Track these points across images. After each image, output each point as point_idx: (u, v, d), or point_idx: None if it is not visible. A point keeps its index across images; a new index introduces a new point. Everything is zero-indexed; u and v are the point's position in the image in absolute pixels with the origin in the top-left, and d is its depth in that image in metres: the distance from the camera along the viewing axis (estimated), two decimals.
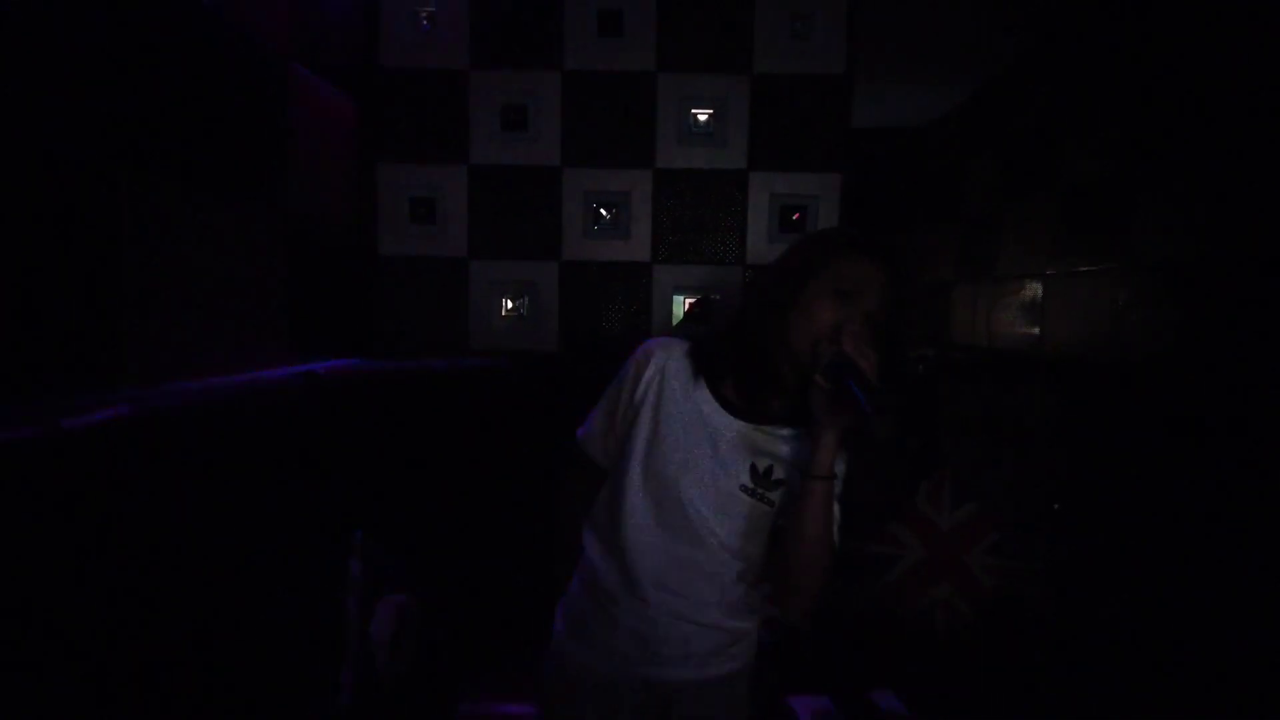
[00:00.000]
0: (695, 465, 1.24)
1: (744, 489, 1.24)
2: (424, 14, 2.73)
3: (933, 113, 5.71)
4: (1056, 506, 2.43)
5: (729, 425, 1.25)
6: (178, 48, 1.59)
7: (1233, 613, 1.93)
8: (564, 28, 2.70)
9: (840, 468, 1.27)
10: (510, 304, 2.74)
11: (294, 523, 1.73)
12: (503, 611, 2.15)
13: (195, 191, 1.68)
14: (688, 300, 2.75)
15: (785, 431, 1.27)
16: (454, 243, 2.74)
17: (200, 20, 1.68)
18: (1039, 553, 2.45)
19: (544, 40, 2.71)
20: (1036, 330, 4.33)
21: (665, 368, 1.28)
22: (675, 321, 2.74)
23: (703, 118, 2.71)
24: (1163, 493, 2.34)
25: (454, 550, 2.10)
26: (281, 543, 1.68)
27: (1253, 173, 2.69)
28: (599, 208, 2.73)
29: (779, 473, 1.26)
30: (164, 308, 1.56)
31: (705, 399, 1.26)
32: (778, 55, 2.69)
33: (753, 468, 1.24)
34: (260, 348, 1.93)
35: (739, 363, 1.26)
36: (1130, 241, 3.43)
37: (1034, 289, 4.39)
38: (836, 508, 1.26)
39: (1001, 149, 4.88)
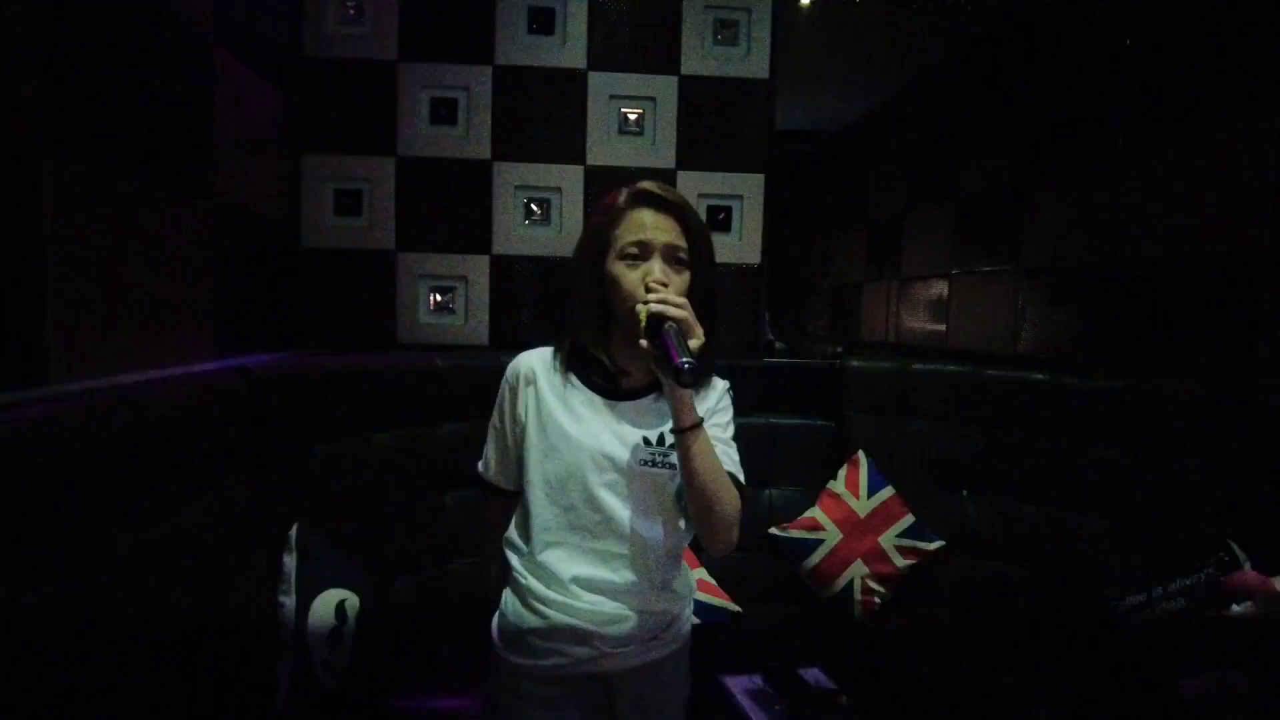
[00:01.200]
0: (592, 460, 1.26)
1: (643, 463, 1.26)
2: (351, 4, 2.69)
3: (847, 118, 5.93)
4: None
5: (610, 409, 1.29)
6: (100, 29, 1.54)
7: (1115, 572, 2.12)
8: (496, 23, 2.71)
9: (718, 413, 1.32)
10: (439, 297, 2.73)
11: (227, 518, 1.70)
12: (440, 606, 2.16)
13: (119, 180, 1.63)
14: None
15: (662, 396, 1.29)
16: (381, 235, 2.72)
17: (133, 14, 1.63)
18: (948, 533, 2.61)
19: (475, 35, 2.71)
20: (942, 327, 4.59)
21: (535, 379, 1.31)
22: None
23: (633, 116, 2.77)
24: (1054, 473, 2.54)
25: (391, 545, 2.10)
26: (215, 538, 1.65)
27: (1133, 187, 2.94)
28: (530, 202, 2.75)
29: (670, 437, 1.28)
30: (88, 302, 1.51)
31: (580, 394, 1.29)
32: (704, 58, 2.78)
33: (645, 440, 1.27)
34: (188, 343, 1.88)
35: (589, 350, 1.29)
36: (1021, 247, 3.68)
37: (938, 288, 4.64)
38: (732, 448, 1.31)
39: (906, 158, 5.13)
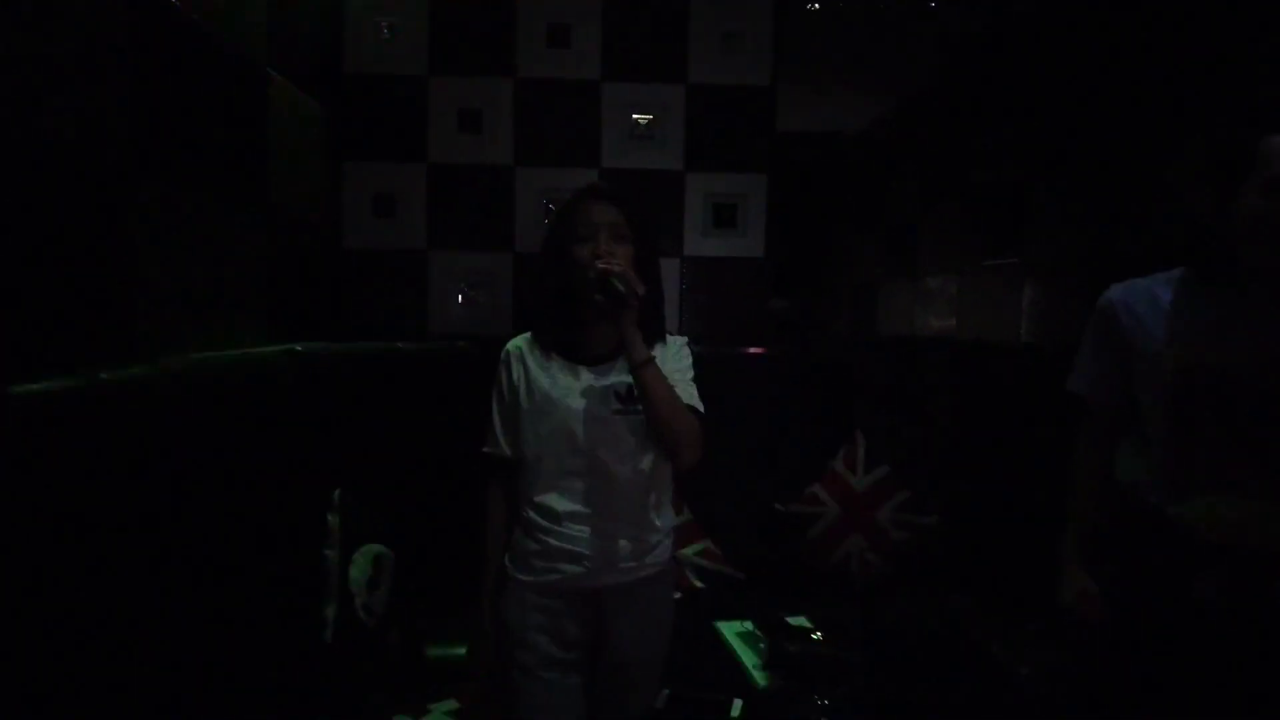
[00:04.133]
0: (574, 415, 1.50)
1: (616, 412, 1.50)
2: (386, 24, 2.96)
3: (861, 120, 6.08)
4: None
5: (585, 372, 1.53)
6: (173, 63, 1.80)
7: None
8: (516, 38, 2.96)
9: (678, 359, 1.57)
10: (467, 291, 2.98)
11: (280, 481, 1.96)
12: (468, 564, 2.40)
13: (192, 191, 1.89)
14: None
15: (622, 359, 1.52)
16: (414, 235, 2.97)
17: (195, 39, 1.89)
18: (940, 509, 2.79)
19: (498, 50, 2.96)
20: (952, 321, 4.73)
21: (523, 359, 1.57)
22: None
23: (643, 122, 3.00)
24: (1046, 458, 2.69)
25: (425, 508, 2.34)
26: (269, 498, 1.90)
27: (1128, 186, 3.07)
28: (550, 204, 2.99)
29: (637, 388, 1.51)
30: (168, 293, 1.77)
31: (561, 365, 1.55)
32: (710, 67, 2.99)
33: (616, 394, 1.51)
34: (245, 328, 2.14)
35: (563, 325, 1.56)
36: (1025, 243, 3.82)
37: (949, 284, 4.78)
38: (692, 388, 1.55)
39: (919, 159, 5.27)
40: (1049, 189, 3.67)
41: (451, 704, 1.95)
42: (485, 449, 1.62)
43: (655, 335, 1.56)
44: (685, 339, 1.65)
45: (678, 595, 2.54)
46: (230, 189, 2.11)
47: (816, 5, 3.87)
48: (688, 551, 2.71)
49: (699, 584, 2.64)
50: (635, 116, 2.99)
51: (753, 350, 3.04)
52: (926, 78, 5.05)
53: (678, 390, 1.50)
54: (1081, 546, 1.64)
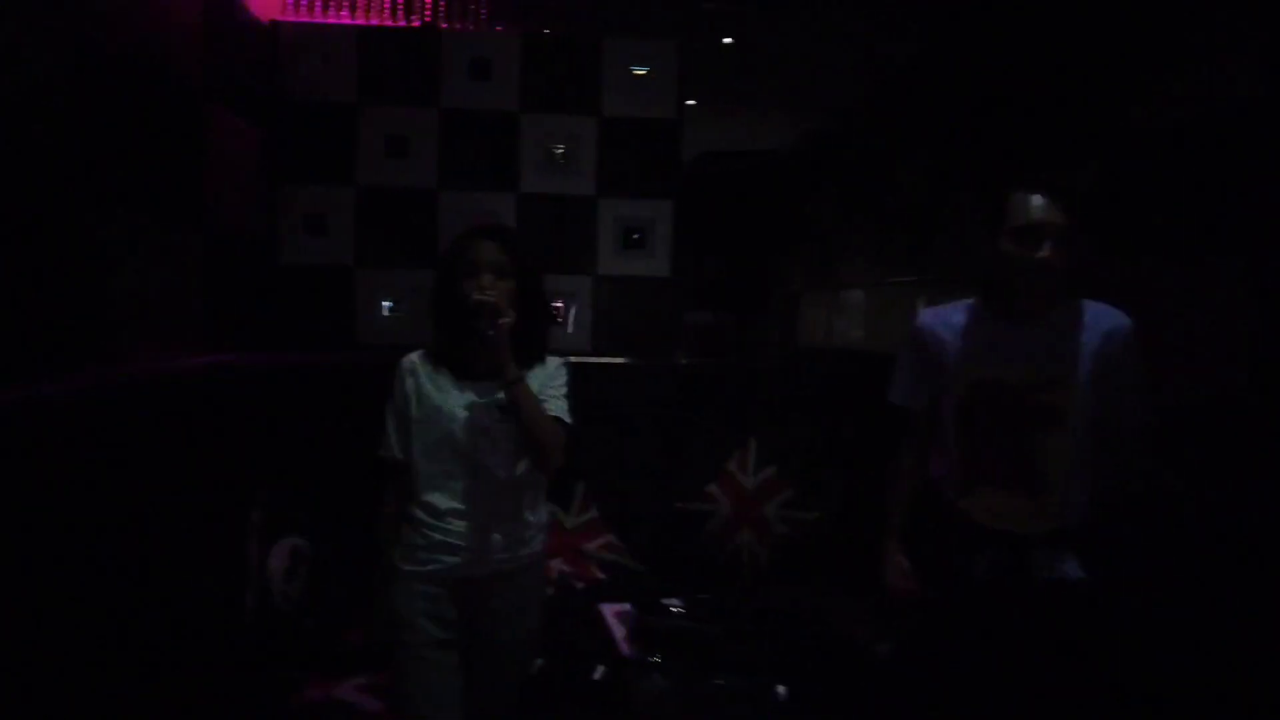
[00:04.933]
0: (462, 426, 1.69)
1: (497, 423, 1.69)
2: (319, 55, 3.17)
3: (783, 139, 6.41)
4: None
5: (470, 389, 1.71)
6: (111, 94, 2.00)
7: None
8: (441, 71, 3.19)
9: (555, 378, 1.77)
10: (393, 305, 3.21)
11: (209, 480, 2.17)
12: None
13: (136, 216, 2.09)
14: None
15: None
16: (343, 252, 3.19)
17: (132, 74, 2.10)
18: (822, 505, 3.09)
19: (423, 81, 3.19)
20: (861, 332, 5.07)
21: (416, 372, 1.74)
22: None
23: (559, 151, 3.26)
24: None
25: (344, 505, 2.55)
26: (197, 494, 2.11)
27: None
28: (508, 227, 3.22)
29: None
30: (110, 309, 1.97)
31: (449, 380, 1.72)
32: (621, 101, 3.26)
33: (499, 407, 1.71)
34: (184, 342, 2.35)
35: (452, 346, 1.73)
36: (924, 262, 4.16)
37: (860, 297, 5.12)
38: (564, 403, 1.74)
39: (839, 179, 5.61)
40: (947, 213, 4.01)
41: (361, 680, 2.18)
42: (380, 452, 1.79)
43: (534, 357, 1.76)
44: (562, 360, 1.84)
45: (580, 585, 2.81)
46: (169, 210, 2.31)
47: (729, 40, 4.15)
48: (592, 546, 2.98)
49: (600, 574, 2.90)
50: (551, 146, 3.25)
51: (660, 362, 3.31)
52: (847, 102, 5.39)
53: (548, 405, 1.71)
54: (899, 534, 1.92)
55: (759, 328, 7.23)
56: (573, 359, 1.86)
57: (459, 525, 1.71)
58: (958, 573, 1.75)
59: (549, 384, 1.76)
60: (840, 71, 4.89)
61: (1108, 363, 1.65)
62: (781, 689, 1.80)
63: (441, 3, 3.24)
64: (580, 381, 1.85)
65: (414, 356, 1.80)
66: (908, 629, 1.95)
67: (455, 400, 1.72)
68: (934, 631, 1.82)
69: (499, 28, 3.24)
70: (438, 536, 1.71)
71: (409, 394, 1.75)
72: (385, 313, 3.19)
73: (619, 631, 2.16)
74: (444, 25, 3.20)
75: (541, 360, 1.80)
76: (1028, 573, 1.67)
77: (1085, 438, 1.66)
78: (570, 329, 3.31)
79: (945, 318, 1.83)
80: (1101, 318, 1.69)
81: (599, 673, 1.96)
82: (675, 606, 2.23)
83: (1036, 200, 1.65)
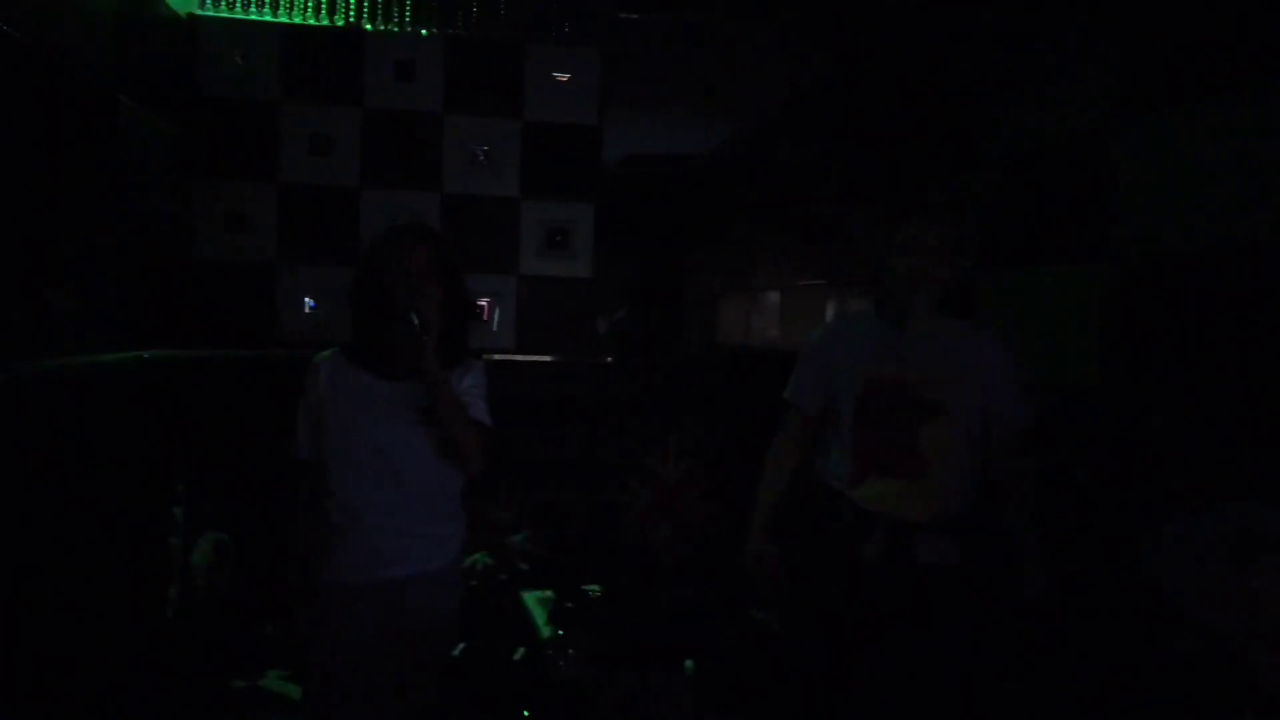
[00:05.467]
0: (379, 426, 1.65)
1: (420, 423, 1.66)
2: (239, 52, 3.16)
3: (705, 144, 6.60)
4: None
5: (388, 388, 1.68)
6: (25, 93, 1.99)
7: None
8: (364, 71, 3.22)
9: (473, 381, 1.78)
10: (315, 303, 3.22)
11: (129, 476, 2.17)
12: None
13: (47, 211, 2.08)
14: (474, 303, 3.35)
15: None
16: (265, 249, 3.19)
17: (41, 68, 2.08)
18: (739, 496, 3.24)
19: (347, 81, 3.22)
20: (777, 332, 5.29)
21: (331, 371, 1.70)
22: None
23: (482, 153, 3.33)
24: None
25: (267, 499, 2.57)
26: (119, 491, 2.12)
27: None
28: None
29: None
30: (23, 304, 1.96)
31: (366, 379, 1.68)
32: (544, 107, 3.35)
33: (417, 408, 1.67)
34: (100, 337, 2.33)
35: (374, 343, 1.70)
36: (831, 267, 4.39)
37: (776, 298, 5.34)
38: (484, 404, 1.76)
39: (755, 186, 5.83)
40: (852, 222, 4.24)
41: (285, 671, 2.21)
42: (292, 453, 1.76)
43: (456, 358, 1.74)
44: (483, 363, 1.86)
45: (504, 577, 2.89)
46: (80, 205, 2.29)
47: (650, 49, 4.28)
48: (516, 539, 3.06)
49: (524, 567, 2.99)
50: (474, 148, 3.31)
51: (582, 360, 3.42)
52: (762, 114, 5.60)
53: (470, 409, 1.70)
54: (770, 520, 2.05)
55: (678, 327, 7.41)
56: (496, 357, 1.91)
57: (376, 527, 1.67)
58: (849, 557, 1.91)
59: (470, 385, 1.76)
60: (757, 84, 5.08)
61: (985, 366, 1.85)
62: (690, 664, 1.93)
63: (364, 3, 3.27)
64: (504, 379, 1.88)
65: (327, 355, 1.76)
66: (804, 610, 2.11)
67: (373, 401, 1.69)
68: (827, 611, 1.98)
69: (423, 30, 3.29)
70: (355, 538, 1.67)
71: (324, 394, 1.71)
72: (307, 310, 3.20)
73: (538, 615, 2.25)
74: (368, 26, 3.23)
75: (461, 360, 1.80)
76: (912, 557, 1.85)
77: (965, 432, 1.85)
78: (495, 328, 3.38)
79: (848, 324, 2.02)
80: (980, 327, 1.90)
81: (519, 654, 2.06)
82: (594, 592, 2.34)
83: (921, 221, 1.84)
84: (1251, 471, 1.62)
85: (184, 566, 2.21)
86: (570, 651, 1.79)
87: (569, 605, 2.19)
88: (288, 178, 3.19)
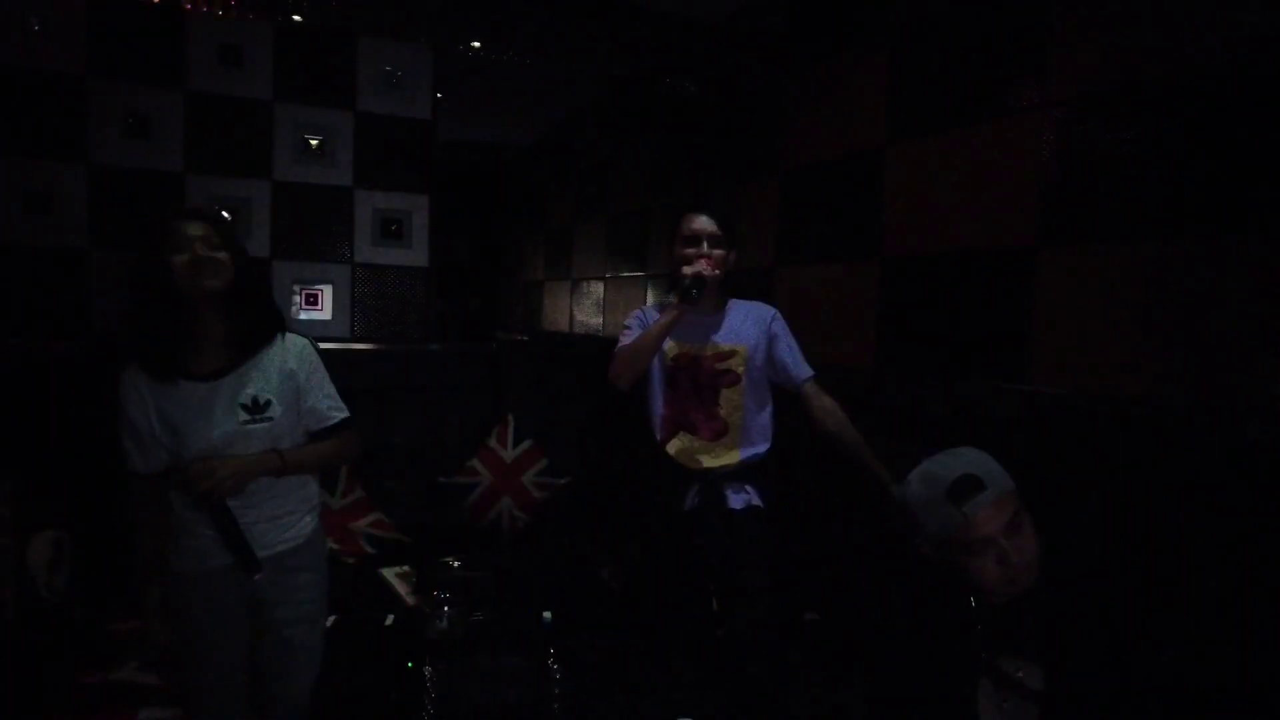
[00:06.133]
0: (207, 433, 1.58)
1: (245, 423, 1.61)
2: (36, 19, 2.95)
3: (525, 137, 6.78)
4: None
5: (204, 390, 1.60)
6: None
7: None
8: (187, 53, 3.12)
9: (311, 367, 1.72)
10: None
11: None
12: None
13: None
14: (304, 290, 3.36)
15: (240, 368, 1.65)
16: (74, 234, 3.01)
17: None
18: (571, 471, 3.51)
19: (166, 61, 3.10)
20: (600, 319, 5.60)
21: (138, 386, 1.60)
22: (293, 309, 3.32)
23: (314, 142, 3.33)
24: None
25: (103, 494, 2.50)
26: None
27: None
28: (221, 210, 3.20)
29: (264, 395, 1.64)
30: None
31: (179, 387, 1.59)
32: (377, 99, 3.41)
33: (242, 406, 1.61)
34: None
35: (169, 343, 1.59)
36: (648, 256, 4.75)
37: (598, 289, 5.64)
38: (330, 391, 1.75)
39: (573, 176, 6.10)
40: (662, 218, 4.60)
41: (136, 664, 2.20)
42: (129, 467, 1.66)
43: (269, 333, 1.67)
44: (307, 340, 1.75)
45: (351, 560, 2.97)
46: None
47: (476, 45, 4.41)
48: (360, 524, 3.14)
49: (370, 549, 3.08)
50: (307, 136, 3.31)
51: (417, 346, 3.53)
52: (579, 109, 5.86)
53: (320, 402, 1.71)
54: None
55: (503, 313, 7.55)
56: (331, 345, 1.92)
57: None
58: (671, 506, 2.23)
59: (308, 374, 1.72)
60: (576, 80, 5.34)
61: (766, 338, 2.22)
62: (547, 615, 2.17)
63: None
64: (341, 366, 1.87)
65: (132, 368, 1.62)
66: (634, 558, 2.42)
67: (194, 408, 1.60)
68: (653, 556, 2.30)
69: (250, 15, 3.23)
70: (206, 531, 1.64)
71: (142, 412, 1.61)
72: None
73: (400, 587, 2.39)
74: (188, 6, 3.13)
75: (281, 333, 1.73)
76: (722, 502, 2.19)
77: (756, 395, 2.22)
78: (329, 315, 3.41)
79: (655, 309, 2.31)
80: (759, 307, 2.27)
81: (389, 620, 2.20)
82: (452, 562, 2.52)
83: (700, 217, 2.19)
84: (971, 427, 2.12)
85: (20, 566, 2.14)
86: (446, 609, 1.96)
87: (433, 573, 2.35)
88: (100, 158, 3.03)
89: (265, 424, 1.63)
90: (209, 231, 1.59)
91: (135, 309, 1.59)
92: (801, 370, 2.25)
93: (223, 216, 1.71)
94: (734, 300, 2.30)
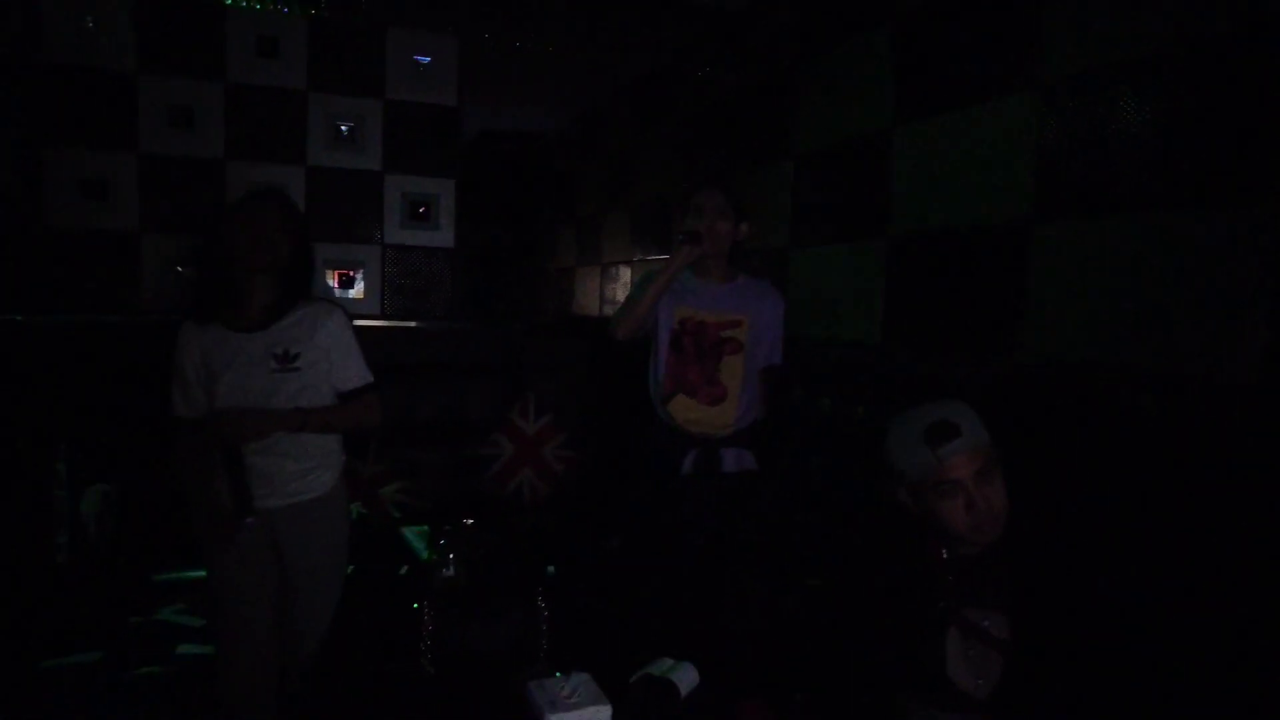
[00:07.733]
0: (240, 378, 1.79)
1: (274, 371, 1.81)
2: (89, 19, 3.17)
3: (553, 124, 6.91)
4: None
5: (243, 339, 1.81)
6: None
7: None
8: (226, 46, 3.32)
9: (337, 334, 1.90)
10: (182, 270, 3.31)
11: (9, 436, 2.28)
12: None
13: None
14: (336, 272, 3.54)
15: (279, 324, 1.84)
16: (126, 218, 3.24)
17: None
18: (587, 445, 3.64)
19: (208, 55, 3.30)
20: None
21: (192, 337, 1.82)
22: (322, 289, 3.50)
23: (345, 129, 3.51)
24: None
25: (145, 452, 2.71)
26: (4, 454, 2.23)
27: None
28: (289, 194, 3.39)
29: (294, 349, 1.84)
30: None
31: (222, 335, 1.80)
32: (405, 88, 3.57)
33: (274, 355, 1.81)
34: None
35: (222, 298, 1.83)
36: (671, 242, 4.84)
37: (625, 273, 5.75)
38: (357, 357, 1.92)
39: (600, 165, 6.21)
40: (682, 201, 4.67)
41: (179, 606, 2.40)
42: (174, 413, 1.88)
43: (302, 294, 1.87)
44: (341, 311, 1.93)
45: (377, 522, 3.15)
46: None
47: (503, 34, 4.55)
48: (387, 490, 3.32)
49: (396, 514, 3.26)
50: (338, 124, 3.49)
51: (446, 325, 3.69)
52: (604, 98, 5.96)
53: (348, 369, 1.89)
54: None
55: (537, 297, 7.72)
56: (362, 323, 2.08)
57: (250, 465, 1.81)
58: (671, 469, 2.33)
59: (338, 344, 1.90)
60: (601, 71, 5.44)
61: (765, 317, 2.31)
62: (551, 568, 2.31)
63: None
64: (371, 344, 2.02)
65: (191, 322, 1.86)
66: (633, 521, 2.53)
67: (232, 354, 1.81)
68: (653, 517, 2.40)
69: (284, 9, 3.42)
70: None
71: (190, 358, 1.83)
72: (174, 277, 3.29)
73: (417, 543, 2.55)
74: (227, 1, 3.32)
75: (307, 298, 1.91)
76: (719, 466, 2.29)
77: (754, 365, 2.31)
78: (361, 294, 3.59)
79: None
80: (767, 287, 2.36)
81: (404, 569, 2.36)
82: (467, 523, 2.66)
83: (708, 191, 2.28)
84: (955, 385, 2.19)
85: (73, 515, 2.35)
86: (451, 556, 2.10)
87: (446, 530, 2.49)
88: (149, 147, 3.25)
89: (293, 374, 1.82)
90: (278, 215, 1.82)
91: (199, 273, 1.85)
92: (775, 358, 2.35)
93: (290, 200, 1.90)
94: (745, 276, 2.38)
